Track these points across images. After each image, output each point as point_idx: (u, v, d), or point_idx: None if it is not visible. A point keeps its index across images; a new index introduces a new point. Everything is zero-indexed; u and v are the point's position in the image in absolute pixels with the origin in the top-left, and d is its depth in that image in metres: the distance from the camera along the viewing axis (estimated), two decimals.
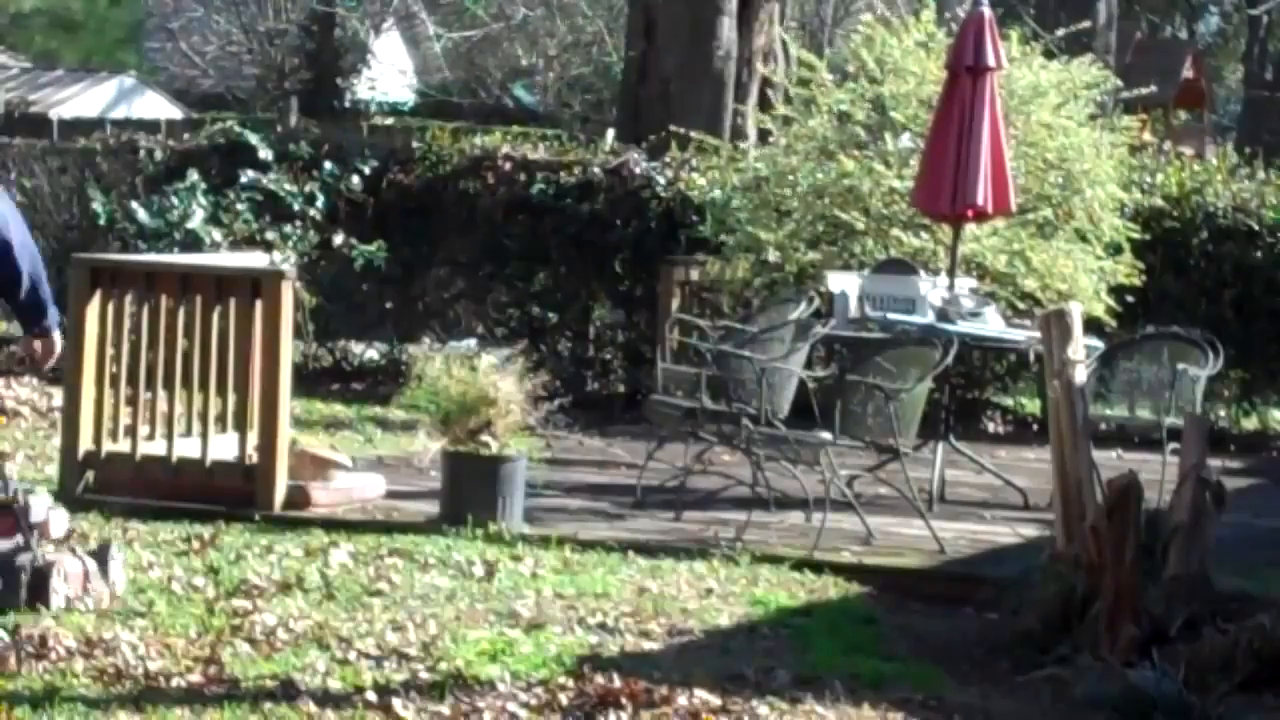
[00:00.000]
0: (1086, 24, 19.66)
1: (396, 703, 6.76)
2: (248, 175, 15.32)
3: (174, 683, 6.88)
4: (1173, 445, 9.40)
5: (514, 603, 8.37)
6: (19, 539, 8.01)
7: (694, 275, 14.45)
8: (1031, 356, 12.55)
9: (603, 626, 8.05)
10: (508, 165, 15.65)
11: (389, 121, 29.05)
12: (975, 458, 11.69)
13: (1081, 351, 8.56)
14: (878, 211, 13.28)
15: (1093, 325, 12.26)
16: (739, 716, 6.89)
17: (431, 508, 10.09)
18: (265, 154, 15.65)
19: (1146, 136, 16.09)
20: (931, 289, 11.75)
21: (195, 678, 6.95)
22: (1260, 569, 9.31)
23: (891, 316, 11.31)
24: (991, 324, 11.61)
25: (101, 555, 8.17)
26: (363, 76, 31.34)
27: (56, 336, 8.35)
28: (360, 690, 6.91)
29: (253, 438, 10.24)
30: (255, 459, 10.17)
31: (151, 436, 10.52)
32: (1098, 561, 7.94)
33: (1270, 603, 8.07)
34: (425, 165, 15.81)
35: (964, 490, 11.60)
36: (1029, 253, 13.04)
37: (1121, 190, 13.75)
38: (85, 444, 10.31)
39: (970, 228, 12.67)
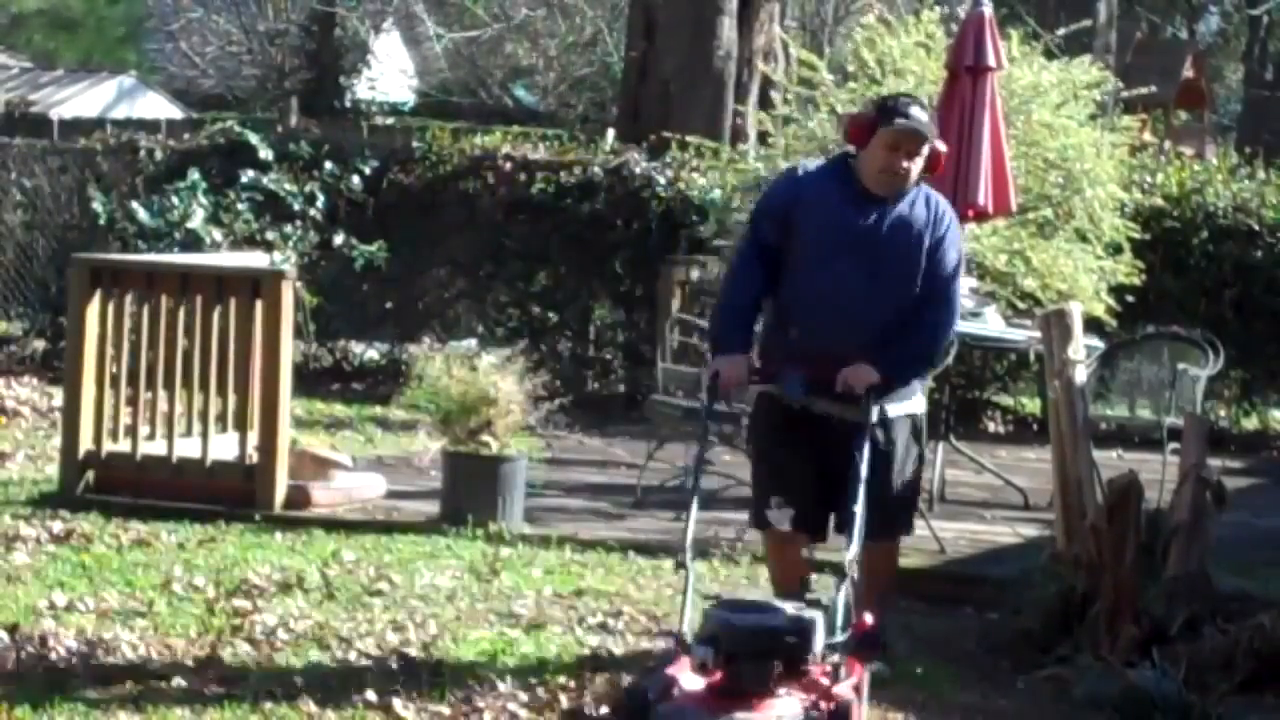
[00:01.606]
0: (1087, 23, 19.68)
1: (396, 703, 6.76)
2: (248, 175, 15.33)
3: (174, 683, 6.89)
4: (1173, 445, 9.39)
5: (514, 603, 8.38)
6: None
7: (694, 275, 14.45)
8: (1032, 356, 12.56)
9: (603, 626, 8.06)
10: (508, 165, 15.66)
11: (389, 121, 29.04)
12: (975, 457, 11.70)
13: (1082, 351, 8.56)
14: None
15: (1093, 325, 12.25)
16: None
17: (432, 508, 10.10)
18: (265, 154, 15.66)
19: (1147, 136, 16.09)
20: None
21: (195, 678, 6.95)
22: (1260, 569, 9.31)
23: None
24: (991, 324, 11.60)
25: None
26: (363, 76, 31.33)
27: (863, 373, 6.99)
28: (360, 690, 6.91)
29: (253, 437, 10.25)
30: (255, 459, 10.18)
31: (152, 436, 10.52)
32: (1098, 561, 7.93)
33: (1270, 602, 8.07)
34: (425, 165, 15.82)
35: (964, 490, 11.60)
36: (1029, 252, 13.03)
37: (1122, 190, 13.75)
38: (85, 444, 10.32)
39: (970, 227, 12.66)
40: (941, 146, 7.23)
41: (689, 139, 15.06)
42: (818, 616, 6.25)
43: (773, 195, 7.43)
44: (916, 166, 7.16)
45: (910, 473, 7.41)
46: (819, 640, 6.16)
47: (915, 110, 7.16)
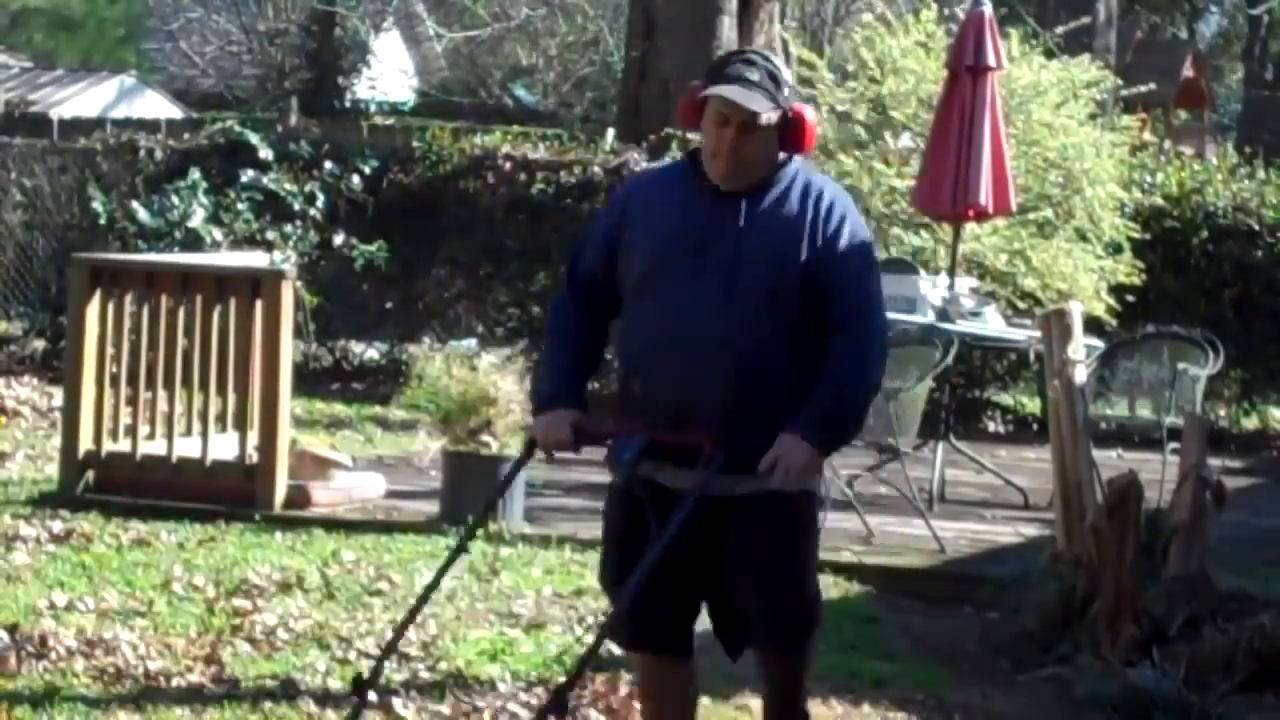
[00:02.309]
0: (1086, 20, 19.68)
1: (397, 702, 6.75)
2: (248, 175, 15.33)
3: (174, 682, 6.88)
4: (1173, 445, 9.40)
5: (514, 602, 8.37)
6: None
7: None
8: (1032, 356, 12.56)
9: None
10: (508, 165, 15.65)
11: (389, 121, 29.04)
12: (975, 457, 11.69)
13: (1082, 351, 8.56)
14: (878, 211, 13.28)
15: (1093, 325, 12.26)
16: (739, 716, 6.89)
17: (431, 507, 10.09)
18: (266, 154, 15.65)
19: (1147, 136, 16.10)
20: (931, 288, 11.74)
21: (195, 677, 6.95)
22: (1260, 568, 9.31)
23: (891, 316, 11.27)
24: (991, 323, 11.61)
25: None
26: (363, 76, 31.35)
27: (801, 453, 5.26)
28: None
29: (253, 437, 10.24)
30: (255, 459, 10.17)
31: (152, 436, 10.52)
32: (1098, 561, 7.93)
33: (1270, 602, 8.07)
34: (425, 165, 15.81)
35: (964, 490, 11.60)
36: (1029, 252, 13.04)
37: (1121, 190, 13.76)
38: (85, 444, 10.31)
39: (971, 227, 12.68)
40: (808, 115, 5.47)
41: (689, 137, 15.01)
42: None
43: (597, 217, 5.73)
44: (756, 145, 5.37)
45: (811, 561, 5.57)
46: None
47: (739, 68, 5.40)
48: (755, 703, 6.99)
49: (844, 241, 5.38)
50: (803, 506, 5.46)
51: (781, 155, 5.46)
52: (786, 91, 5.46)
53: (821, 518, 5.61)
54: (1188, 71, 34.18)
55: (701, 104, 5.40)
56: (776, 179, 5.43)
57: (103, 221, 15.21)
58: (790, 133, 5.44)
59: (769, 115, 5.37)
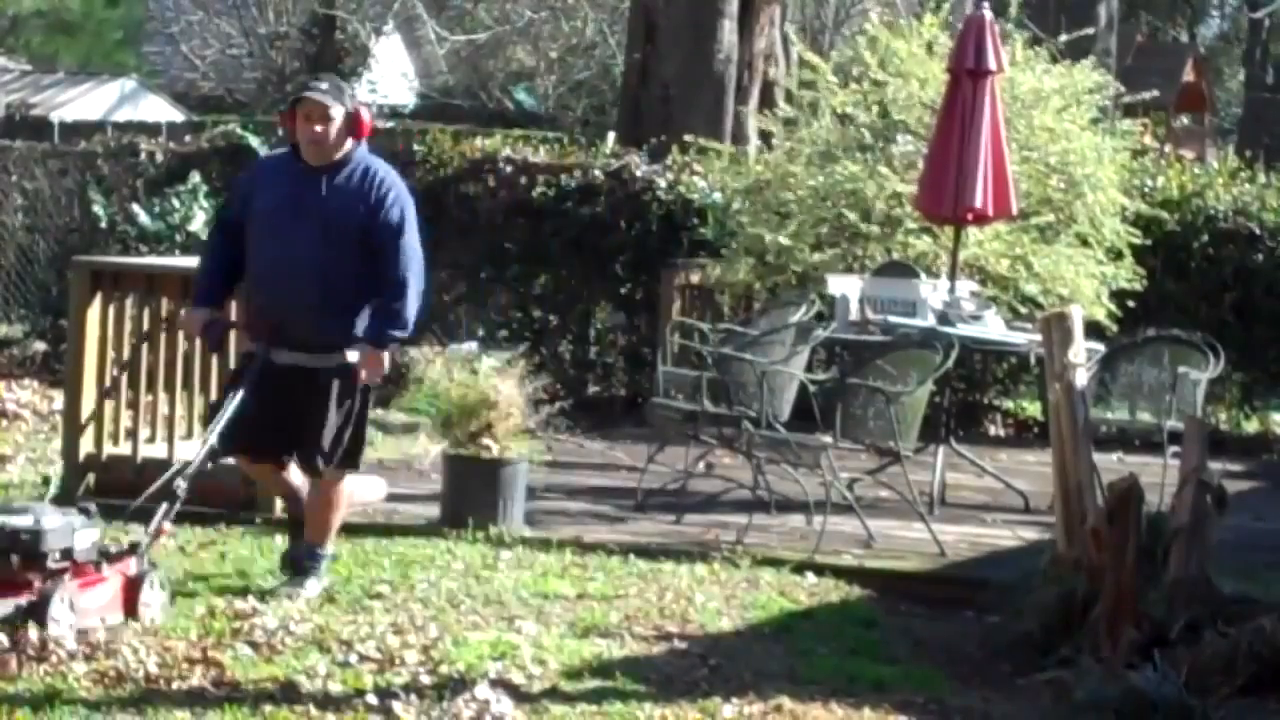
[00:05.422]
0: (1091, 31, 19.68)
1: (397, 706, 6.75)
2: None
3: (175, 685, 6.88)
4: (1173, 448, 9.40)
5: (515, 606, 8.37)
6: None
7: (694, 278, 14.45)
8: (1032, 359, 12.56)
9: (603, 630, 8.05)
10: (509, 168, 15.66)
11: (390, 124, 29.03)
12: (976, 461, 11.69)
13: (1082, 354, 8.56)
14: (882, 214, 13.29)
15: (1093, 328, 12.26)
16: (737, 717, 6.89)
17: (432, 511, 10.10)
18: None
19: (1147, 140, 16.10)
20: (932, 292, 11.75)
21: (196, 680, 6.95)
22: (1261, 572, 9.31)
23: (892, 319, 11.31)
24: (992, 327, 11.61)
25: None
26: (363, 79, 31.32)
27: (385, 358, 8.23)
28: (361, 693, 6.91)
29: None
30: None
31: (152, 439, 10.51)
32: (1098, 564, 7.94)
33: (1271, 606, 8.06)
34: (426, 168, 15.81)
35: (965, 493, 11.60)
36: (1030, 257, 13.04)
37: (1122, 194, 13.75)
38: (86, 447, 10.31)
39: (973, 231, 12.68)
40: (365, 115, 8.23)
41: (702, 141, 15.03)
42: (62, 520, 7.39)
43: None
44: (333, 130, 8.14)
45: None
46: (54, 542, 7.35)
47: (316, 83, 8.34)
48: (754, 708, 7.01)
49: (389, 205, 8.19)
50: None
51: (350, 143, 8.20)
52: (348, 96, 8.26)
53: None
54: (1188, 75, 34.20)
55: (293, 112, 8.28)
56: (347, 160, 8.18)
57: (103, 224, 15.20)
58: (350, 123, 8.16)
59: (336, 110, 8.15)
